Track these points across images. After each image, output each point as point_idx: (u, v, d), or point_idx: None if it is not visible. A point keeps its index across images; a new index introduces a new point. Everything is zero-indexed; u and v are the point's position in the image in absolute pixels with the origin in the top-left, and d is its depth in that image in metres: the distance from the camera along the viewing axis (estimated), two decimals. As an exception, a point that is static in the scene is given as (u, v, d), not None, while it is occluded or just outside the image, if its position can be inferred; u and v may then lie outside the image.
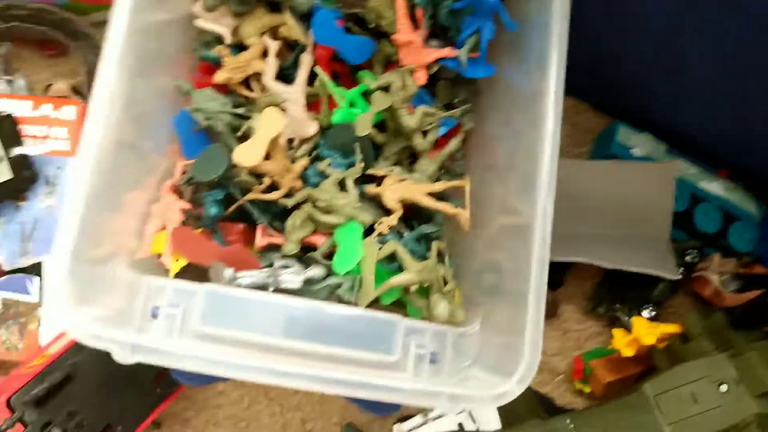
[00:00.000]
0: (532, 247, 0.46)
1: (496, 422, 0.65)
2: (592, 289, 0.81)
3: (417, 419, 0.67)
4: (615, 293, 0.78)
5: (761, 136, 0.73)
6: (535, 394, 0.73)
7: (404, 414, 0.69)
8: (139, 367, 0.61)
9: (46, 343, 0.63)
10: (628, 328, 0.71)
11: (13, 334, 0.67)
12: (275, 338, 0.44)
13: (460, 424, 0.66)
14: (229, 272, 0.49)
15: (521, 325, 0.44)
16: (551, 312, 0.79)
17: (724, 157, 0.81)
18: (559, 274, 0.80)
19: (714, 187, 0.80)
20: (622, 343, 0.68)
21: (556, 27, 0.50)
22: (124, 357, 0.40)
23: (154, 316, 0.45)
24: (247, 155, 0.55)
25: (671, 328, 0.67)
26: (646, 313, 0.76)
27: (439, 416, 0.67)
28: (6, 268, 0.69)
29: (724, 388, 0.60)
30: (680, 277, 0.75)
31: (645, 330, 0.66)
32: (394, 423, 0.68)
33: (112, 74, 0.49)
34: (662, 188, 0.76)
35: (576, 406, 0.75)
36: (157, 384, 0.64)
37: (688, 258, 0.78)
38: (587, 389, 0.75)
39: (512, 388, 0.42)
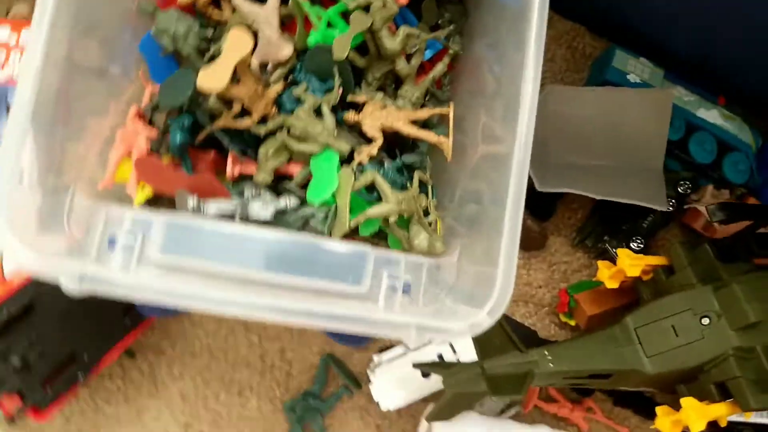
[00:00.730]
0: (510, 175, 0.44)
1: (475, 353, 0.64)
2: (582, 221, 0.79)
3: (397, 350, 0.67)
4: (604, 225, 0.77)
5: (760, 57, 0.69)
6: (516, 326, 0.73)
7: (386, 344, 0.69)
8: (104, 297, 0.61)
9: (10, 275, 0.61)
10: (615, 261, 0.69)
11: (-24, 266, 0.65)
12: (238, 268, 0.42)
13: (440, 355, 0.66)
14: (193, 200, 0.47)
15: (495, 255, 0.43)
16: (539, 243, 0.78)
17: (723, 81, 0.78)
18: (549, 204, 0.79)
19: (711, 115, 0.77)
20: (606, 275, 0.67)
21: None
22: (71, 288, 0.39)
23: (111, 245, 0.43)
24: (211, 79, 0.52)
25: (656, 260, 0.65)
26: (634, 246, 0.75)
27: (420, 347, 0.67)
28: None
29: (706, 320, 0.60)
30: (670, 208, 0.74)
31: (629, 261, 0.64)
32: (375, 353, 0.68)
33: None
34: (657, 116, 0.74)
35: (560, 338, 0.75)
36: (125, 314, 0.64)
37: (680, 189, 0.76)
38: (572, 322, 0.75)
39: (483, 320, 0.41)
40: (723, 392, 0.59)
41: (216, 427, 0.70)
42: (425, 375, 0.65)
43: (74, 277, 0.38)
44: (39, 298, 0.59)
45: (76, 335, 0.61)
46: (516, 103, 0.47)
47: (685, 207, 0.77)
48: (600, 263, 0.68)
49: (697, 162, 0.76)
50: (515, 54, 0.49)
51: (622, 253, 0.66)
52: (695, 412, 0.57)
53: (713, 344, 0.59)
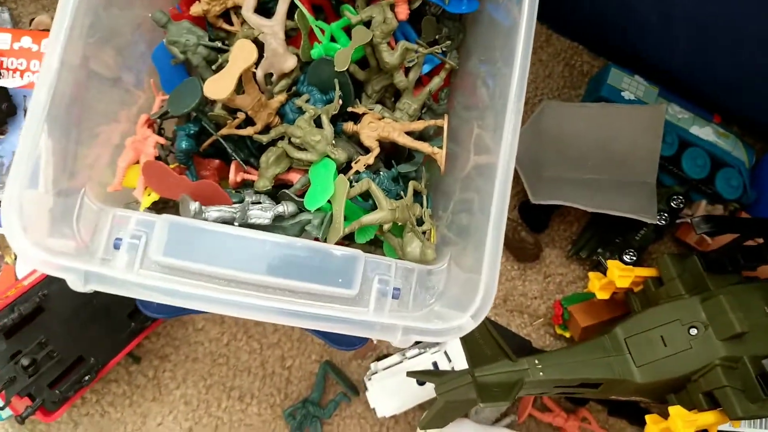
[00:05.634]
0: (495, 182, 0.46)
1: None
2: (577, 234, 0.81)
3: (394, 358, 0.69)
4: (598, 238, 0.78)
5: (755, 77, 0.71)
6: (510, 336, 0.74)
7: (383, 353, 0.71)
8: (112, 301, 0.63)
9: (23, 275, 0.64)
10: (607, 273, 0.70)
11: (-11, 267, 0.68)
12: (235, 271, 0.44)
13: (435, 363, 0.67)
14: (195, 205, 0.49)
15: (480, 261, 0.44)
16: (534, 255, 0.79)
17: (718, 99, 0.79)
18: (543, 217, 0.80)
19: (704, 132, 0.79)
20: (597, 286, 0.68)
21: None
22: (77, 285, 0.41)
23: (116, 247, 0.45)
24: (217, 88, 0.54)
25: (645, 271, 0.67)
26: (627, 258, 0.76)
27: (416, 355, 0.68)
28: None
29: (693, 331, 0.61)
30: (662, 222, 0.75)
31: (619, 273, 0.66)
32: (372, 361, 0.70)
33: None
34: (650, 131, 0.75)
35: (554, 349, 0.77)
36: (131, 319, 0.65)
37: (673, 204, 0.77)
38: (567, 334, 0.76)
39: (467, 323, 0.43)
40: (711, 401, 0.60)
41: (218, 432, 0.71)
42: (420, 383, 0.67)
43: (80, 276, 0.40)
44: (48, 301, 0.61)
45: (84, 338, 0.62)
46: (503, 112, 0.49)
47: (678, 222, 0.78)
48: (591, 274, 0.70)
49: (690, 177, 0.78)
50: (505, 68, 0.51)
51: (612, 265, 0.67)
52: (682, 420, 0.58)
53: (701, 354, 0.60)
